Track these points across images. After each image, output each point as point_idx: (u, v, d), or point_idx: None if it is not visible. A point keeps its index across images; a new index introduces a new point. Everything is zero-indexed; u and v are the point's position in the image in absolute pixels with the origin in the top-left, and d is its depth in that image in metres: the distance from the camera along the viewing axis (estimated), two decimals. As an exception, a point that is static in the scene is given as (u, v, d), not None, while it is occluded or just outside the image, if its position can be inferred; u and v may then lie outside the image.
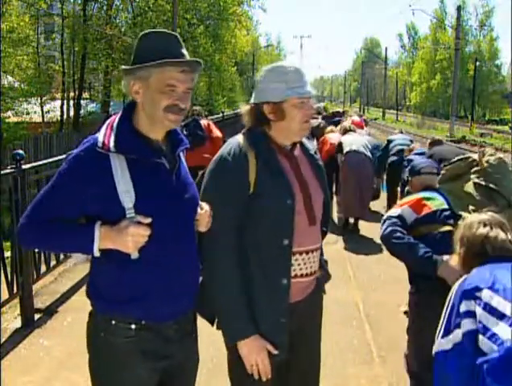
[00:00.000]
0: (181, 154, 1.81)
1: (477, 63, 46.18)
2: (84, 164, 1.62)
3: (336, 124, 9.71)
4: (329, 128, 8.51)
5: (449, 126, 33.58)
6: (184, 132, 6.06)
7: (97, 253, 1.62)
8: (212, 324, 1.99)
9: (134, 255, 1.63)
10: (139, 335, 1.69)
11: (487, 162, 2.71)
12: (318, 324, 2.17)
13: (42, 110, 21.80)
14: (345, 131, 7.46)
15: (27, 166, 4.27)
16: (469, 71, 52.09)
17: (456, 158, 2.90)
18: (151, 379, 1.74)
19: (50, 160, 4.87)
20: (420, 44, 67.58)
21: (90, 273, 1.76)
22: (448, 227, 2.48)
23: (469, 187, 2.65)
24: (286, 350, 1.95)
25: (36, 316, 4.20)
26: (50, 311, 4.32)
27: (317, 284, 2.10)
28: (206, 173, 1.98)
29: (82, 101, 23.83)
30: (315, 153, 2.12)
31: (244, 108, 2.01)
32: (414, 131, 34.98)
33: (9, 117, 18.36)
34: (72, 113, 23.59)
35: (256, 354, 1.89)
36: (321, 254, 2.14)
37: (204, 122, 6.46)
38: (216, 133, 6.58)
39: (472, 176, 2.69)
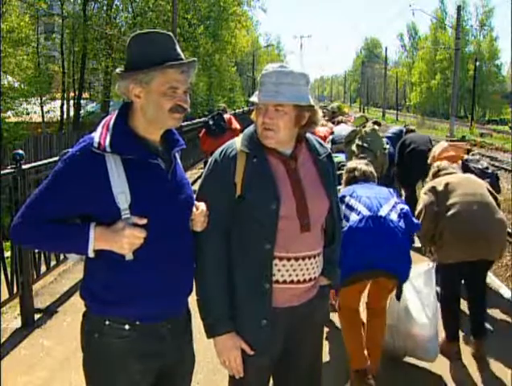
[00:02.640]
0: (177, 154, 1.81)
1: (477, 63, 46.15)
2: (79, 164, 1.61)
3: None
4: (321, 121, 8.99)
5: (449, 126, 33.57)
6: (210, 122, 7.74)
7: (91, 254, 1.61)
8: None
9: (129, 256, 1.63)
10: (133, 336, 1.68)
11: (365, 131, 4.33)
12: (319, 331, 2.16)
13: (42, 110, 21.80)
14: (338, 123, 8.30)
15: (27, 166, 4.27)
16: (469, 71, 52.11)
17: (349, 131, 4.90)
18: (145, 380, 1.73)
19: (50, 160, 4.86)
20: (420, 44, 67.60)
21: (84, 274, 1.75)
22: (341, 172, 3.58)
23: (354, 148, 4.31)
24: (268, 352, 1.95)
25: (36, 316, 4.20)
26: (50, 311, 4.32)
27: (320, 291, 2.07)
28: None
29: (82, 101, 23.84)
30: (329, 157, 2.06)
31: None
32: (414, 131, 34.87)
33: (9, 117, 18.34)
34: (72, 113, 23.60)
35: (228, 351, 1.91)
36: (329, 262, 2.10)
37: (226, 116, 7.90)
38: (236, 125, 7.96)
39: (356, 140, 4.31)
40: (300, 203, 1.91)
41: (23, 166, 4.13)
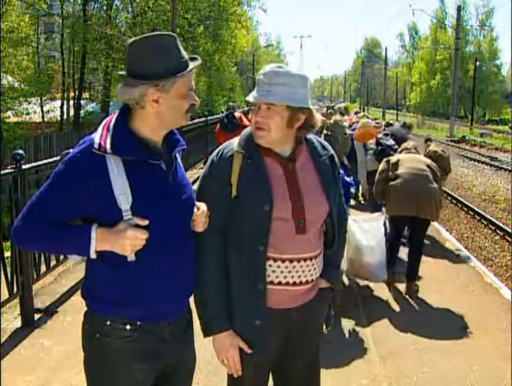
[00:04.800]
0: (177, 155, 1.80)
1: (477, 63, 46.15)
2: (80, 166, 1.60)
3: None
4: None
5: (449, 126, 33.56)
6: (225, 120, 8.73)
7: (93, 255, 1.61)
8: None
9: (131, 257, 1.63)
10: (134, 336, 1.68)
11: (329, 123, 5.56)
12: (318, 333, 2.14)
13: (42, 110, 21.80)
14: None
15: (27, 166, 4.26)
16: (469, 71, 52.09)
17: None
18: (147, 380, 1.73)
19: (50, 160, 4.86)
20: (420, 44, 67.58)
21: (85, 274, 1.75)
22: None
23: (322, 136, 5.10)
24: (263, 352, 1.94)
25: (36, 316, 4.20)
26: (50, 311, 4.32)
27: (319, 293, 2.05)
28: None
29: (82, 101, 23.83)
30: (331, 159, 2.04)
31: None
32: (415, 131, 34.93)
33: (9, 117, 18.34)
34: (72, 113, 23.59)
35: (225, 350, 1.91)
36: (329, 265, 2.08)
37: (237, 114, 8.97)
38: (246, 122, 8.78)
39: (324, 130, 5.48)
40: (296, 205, 1.90)
41: (23, 166, 4.12)
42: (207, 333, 1.93)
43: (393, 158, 5.21)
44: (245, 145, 1.92)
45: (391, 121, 9.57)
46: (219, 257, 1.90)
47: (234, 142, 1.96)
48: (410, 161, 5.11)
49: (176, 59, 1.64)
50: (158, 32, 1.72)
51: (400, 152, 5.48)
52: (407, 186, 4.87)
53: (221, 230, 1.90)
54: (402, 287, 5.00)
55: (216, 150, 1.97)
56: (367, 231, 4.65)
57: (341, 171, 4.32)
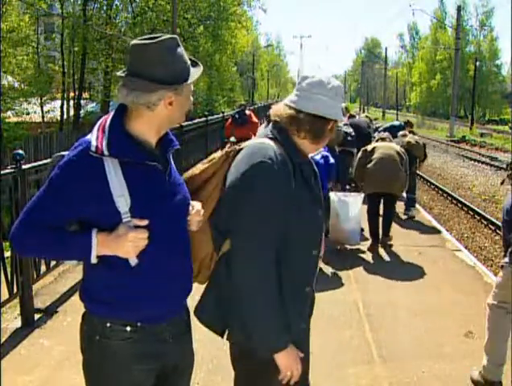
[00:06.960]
0: (171, 155, 1.79)
1: (477, 63, 46.16)
2: (77, 169, 1.59)
3: None
4: None
5: (449, 126, 33.58)
6: (236, 115, 9.79)
7: (94, 261, 1.60)
8: (222, 336, 1.94)
9: (133, 261, 1.62)
10: (134, 337, 1.68)
11: None
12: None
13: (42, 110, 21.81)
14: None
15: (27, 166, 4.26)
16: (469, 71, 52.11)
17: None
18: (147, 381, 1.73)
19: (50, 160, 4.85)
20: (420, 44, 67.62)
21: (83, 276, 1.74)
22: None
23: None
24: (307, 355, 1.96)
25: (36, 316, 4.19)
26: (50, 311, 4.32)
27: None
28: (246, 173, 1.80)
29: (82, 101, 23.84)
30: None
31: (282, 109, 1.90)
32: (415, 131, 34.92)
33: (9, 116, 18.36)
34: (72, 113, 23.60)
35: (294, 363, 1.84)
36: None
37: (247, 111, 10.07)
38: (254, 119, 10.21)
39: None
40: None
41: (23, 166, 4.12)
42: (275, 350, 1.80)
43: (369, 147, 6.43)
44: (291, 151, 1.87)
45: (354, 113, 10.56)
46: (275, 272, 1.80)
47: (274, 146, 1.84)
48: (383, 148, 6.31)
49: (186, 62, 1.66)
50: (167, 35, 1.66)
51: (376, 141, 6.69)
52: (380, 169, 6.12)
53: (275, 244, 1.81)
54: (402, 287, 5.01)
55: (264, 154, 1.80)
56: (345, 203, 5.88)
57: (326, 153, 5.25)
